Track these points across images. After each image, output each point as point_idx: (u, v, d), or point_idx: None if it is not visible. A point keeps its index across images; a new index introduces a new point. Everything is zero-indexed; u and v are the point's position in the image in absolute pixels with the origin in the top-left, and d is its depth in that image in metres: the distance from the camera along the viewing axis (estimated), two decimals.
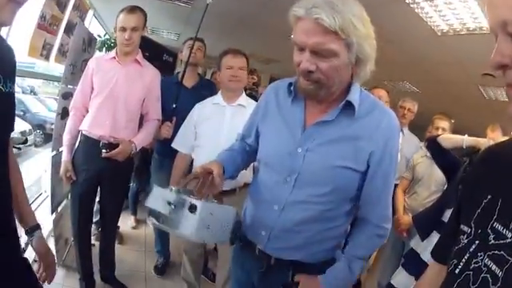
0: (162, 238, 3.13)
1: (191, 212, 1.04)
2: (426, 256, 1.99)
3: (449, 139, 2.10)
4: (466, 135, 2.05)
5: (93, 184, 2.40)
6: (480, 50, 3.81)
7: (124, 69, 2.33)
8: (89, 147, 2.33)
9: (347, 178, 1.13)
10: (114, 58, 2.35)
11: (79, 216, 2.44)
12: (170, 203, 1.06)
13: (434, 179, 2.69)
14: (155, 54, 3.97)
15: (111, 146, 2.27)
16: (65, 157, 2.38)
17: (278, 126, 1.23)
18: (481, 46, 3.72)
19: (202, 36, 3.01)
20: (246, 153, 1.41)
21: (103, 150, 2.26)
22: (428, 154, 2.60)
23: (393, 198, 2.88)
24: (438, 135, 2.21)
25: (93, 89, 2.34)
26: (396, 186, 2.62)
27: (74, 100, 2.42)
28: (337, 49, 1.01)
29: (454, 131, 3.04)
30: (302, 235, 1.19)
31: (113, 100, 2.30)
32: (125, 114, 2.33)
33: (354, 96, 1.12)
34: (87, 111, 2.37)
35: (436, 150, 2.16)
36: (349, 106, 1.12)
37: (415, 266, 2.04)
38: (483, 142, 1.94)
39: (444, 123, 2.85)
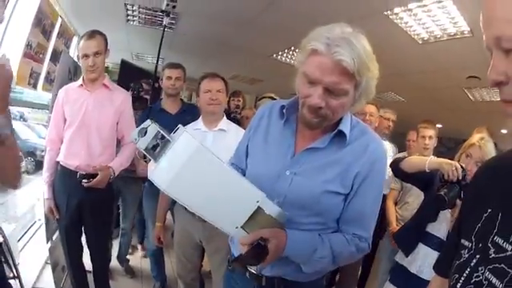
0: (158, 262, 3.10)
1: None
2: (414, 268, 1.99)
3: (411, 163, 2.05)
4: (432, 156, 2.04)
5: (75, 216, 2.34)
6: (462, 53, 3.87)
7: (92, 95, 2.29)
8: (66, 178, 2.29)
9: (333, 202, 1.14)
10: (82, 85, 2.30)
11: (68, 247, 2.41)
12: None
13: None
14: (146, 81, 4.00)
15: (89, 175, 2.22)
16: (46, 195, 2.34)
17: (268, 147, 1.24)
18: (463, 50, 3.77)
19: (185, 62, 3.04)
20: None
21: (84, 181, 2.21)
22: None
23: (384, 209, 2.84)
24: (401, 160, 2.12)
25: (65, 119, 2.30)
26: (385, 196, 2.60)
27: (48, 133, 2.37)
28: (348, 88, 1.03)
29: (444, 136, 3.07)
30: None
31: (85, 129, 2.26)
32: (99, 141, 2.29)
33: (346, 124, 1.14)
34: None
35: (402, 174, 2.12)
36: (340, 134, 1.14)
37: (403, 280, 2.04)
38: (447, 168, 1.83)
39: (430, 132, 2.85)
